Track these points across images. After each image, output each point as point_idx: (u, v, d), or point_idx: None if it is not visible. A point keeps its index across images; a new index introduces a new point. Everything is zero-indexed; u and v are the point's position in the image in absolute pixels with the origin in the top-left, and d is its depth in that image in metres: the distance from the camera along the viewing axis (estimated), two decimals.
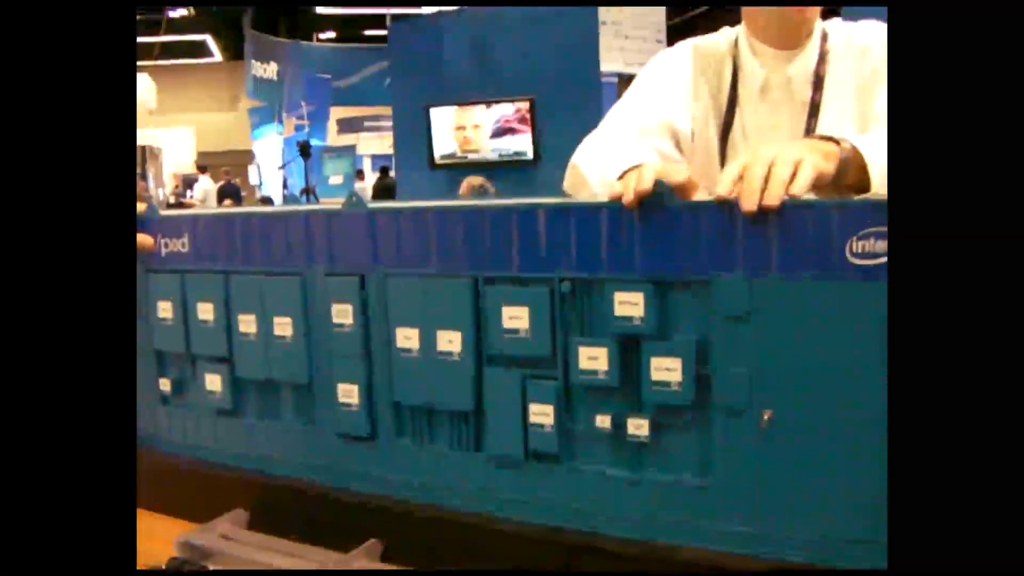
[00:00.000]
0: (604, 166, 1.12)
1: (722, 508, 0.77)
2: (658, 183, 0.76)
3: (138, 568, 0.90)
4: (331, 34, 16.35)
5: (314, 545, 0.95)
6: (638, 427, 0.79)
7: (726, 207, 0.74)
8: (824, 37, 1.28)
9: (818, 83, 1.28)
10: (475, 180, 4.40)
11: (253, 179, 13.97)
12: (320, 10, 14.76)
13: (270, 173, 12.73)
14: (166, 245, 1.07)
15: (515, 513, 0.86)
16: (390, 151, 8.83)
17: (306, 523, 0.98)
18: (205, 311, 1.03)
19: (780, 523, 0.74)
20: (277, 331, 0.98)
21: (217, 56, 17.88)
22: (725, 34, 1.39)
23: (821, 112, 1.26)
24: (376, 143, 14.53)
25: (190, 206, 10.56)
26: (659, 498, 0.79)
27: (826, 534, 0.73)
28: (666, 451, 0.79)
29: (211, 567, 0.92)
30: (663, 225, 0.76)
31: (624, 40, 9.17)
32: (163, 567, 0.92)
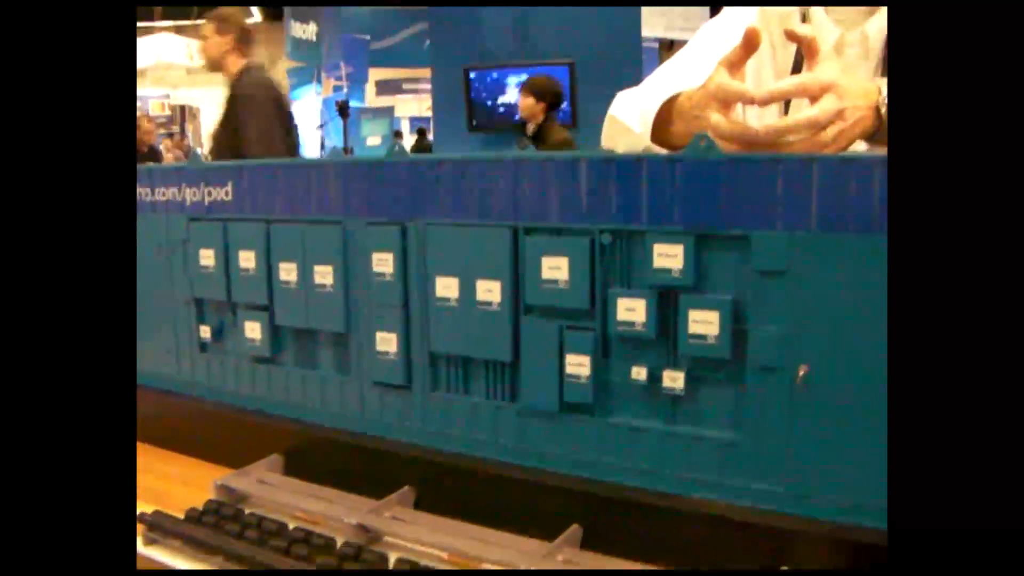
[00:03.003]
0: (642, 105, 1.11)
1: (753, 464, 0.77)
2: (702, 136, 0.76)
3: (177, 510, 0.92)
4: None
5: (348, 492, 0.97)
6: (673, 380, 0.79)
7: (768, 162, 0.74)
8: None
9: None
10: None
11: None
12: None
13: (308, 133, 12.75)
14: (209, 194, 1.08)
15: (548, 464, 0.87)
16: (428, 113, 8.82)
17: (340, 470, 0.99)
18: (246, 259, 1.04)
19: (811, 482, 0.74)
20: (317, 279, 0.99)
21: (256, 17, 17.87)
22: None
23: None
24: (414, 105, 14.51)
25: None
26: (691, 452, 0.80)
27: (857, 495, 0.73)
28: (699, 405, 0.79)
29: (247, 510, 0.94)
30: (704, 178, 0.75)
31: (666, 5, 9.06)
32: (201, 509, 0.94)
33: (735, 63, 0.94)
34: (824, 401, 0.73)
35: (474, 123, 6.12)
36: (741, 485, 0.78)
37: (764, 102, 0.92)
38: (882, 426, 0.69)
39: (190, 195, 1.10)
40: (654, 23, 7.87)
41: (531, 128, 4.69)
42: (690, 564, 0.79)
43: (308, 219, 0.99)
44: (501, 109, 6.01)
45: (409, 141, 12.57)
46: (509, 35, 6.20)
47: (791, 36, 0.97)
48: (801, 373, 0.73)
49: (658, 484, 0.81)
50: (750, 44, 0.92)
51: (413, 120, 14.10)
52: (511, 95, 5.85)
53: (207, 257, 1.08)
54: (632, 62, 6.18)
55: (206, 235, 1.08)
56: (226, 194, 1.06)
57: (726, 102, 0.93)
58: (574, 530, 0.84)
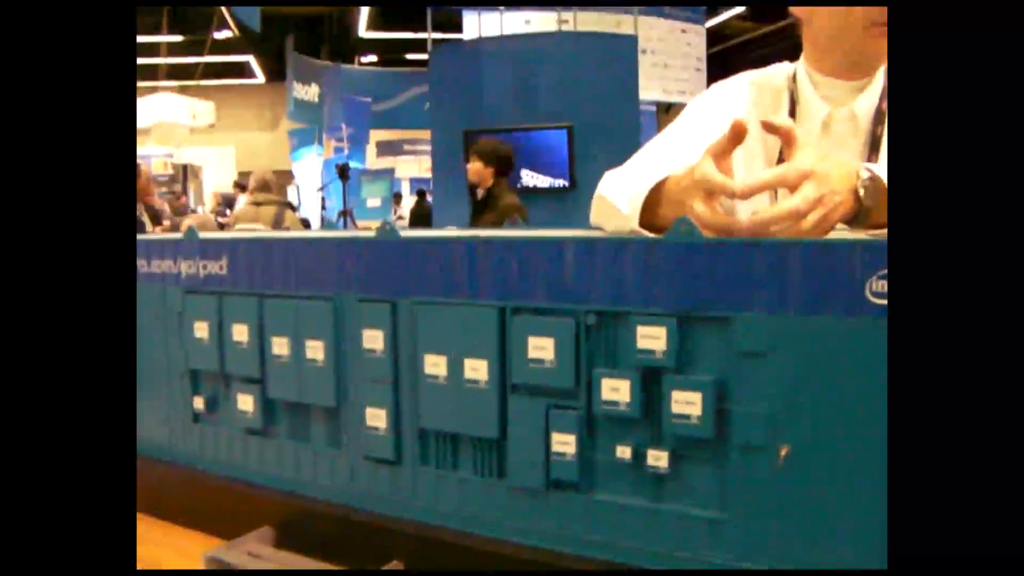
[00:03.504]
0: (631, 188, 1.13)
1: (738, 542, 0.77)
2: (683, 221, 0.78)
3: None
4: (372, 57, 16.49)
5: (338, 565, 0.97)
6: (658, 459, 0.80)
7: (748, 246, 0.75)
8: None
9: (879, 117, 1.27)
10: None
11: (291, 200, 14.10)
12: (362, 34, 14.92)
13: (308, 195, 12.84)
14: (204, 267, 1.09)
15: (536, 541, 0.87)
16: (428, 174, 8.90)
17: (331, 543, 1.00)
18: (240, 332, 1.06)
19: (796, 561, 0.75)
20: (308, 354, 1.00)
21: (260, 77, 18.09)
22: (782, 68, 1.38)
23: (882, 146, 1.26)
24: (414, 166, 14.64)
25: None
26: (677, 530, 0.80)
27: (843, 572, 0.73)
28: (684, 483, 0.80)
29: None
30: (686, 261, 0.77)
31: (664, 68, 9.20)
32: None
33: (721, 153, 0.96)
34: (808, 480, 0.74)
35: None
36: (727, 563, 0.78)
37: (745, 195, 0.94)
38: (868, 504, 0.70)
39: (185, 268, 1.12)
40: (651, 86, 7.96)
41: (480, 193, 4.75)
42: None
43: (301, 294, 1.00)
44: None
45: (409, 203, 12.64)
46: (509, 98, 6.28)
47: (768, 128, 0.99)
48: (783, 454, 0.74)
49: (644, 561, 0.82)
50: (736, 136, 0.94)
51: (413, 181, 14.20)
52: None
53: (201, 329, 1.10)
54: (630, 124, 6.25)
55: (201, 308, 1.10)
56: (221, 268, 1.08)
57: (710, 193, 0.95)
58: None
